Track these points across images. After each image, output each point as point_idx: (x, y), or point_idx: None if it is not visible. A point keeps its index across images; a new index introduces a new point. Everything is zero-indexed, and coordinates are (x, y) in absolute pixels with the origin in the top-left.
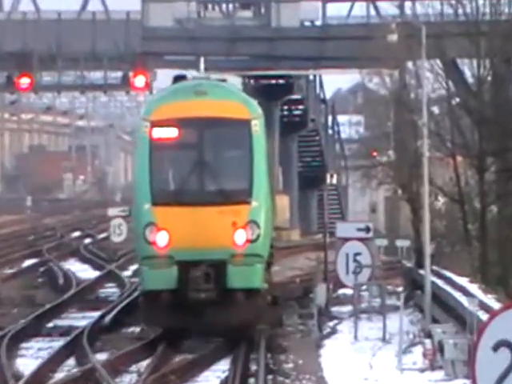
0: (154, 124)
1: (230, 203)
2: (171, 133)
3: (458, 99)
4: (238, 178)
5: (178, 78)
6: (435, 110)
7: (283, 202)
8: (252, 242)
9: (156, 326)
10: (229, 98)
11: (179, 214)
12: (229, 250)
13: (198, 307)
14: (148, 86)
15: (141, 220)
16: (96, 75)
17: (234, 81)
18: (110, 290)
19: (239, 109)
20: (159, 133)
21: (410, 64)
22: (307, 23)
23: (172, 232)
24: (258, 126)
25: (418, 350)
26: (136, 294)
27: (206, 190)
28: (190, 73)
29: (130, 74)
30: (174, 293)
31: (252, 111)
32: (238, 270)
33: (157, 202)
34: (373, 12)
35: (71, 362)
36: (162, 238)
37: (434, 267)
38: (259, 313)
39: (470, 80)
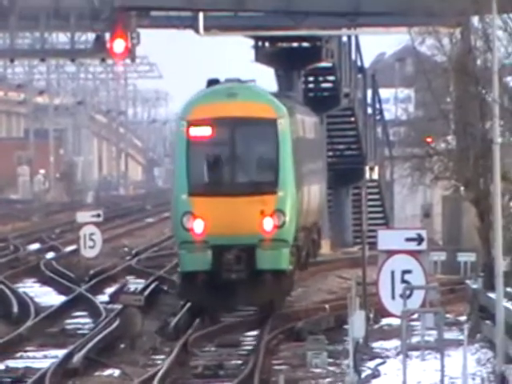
0: (191, 123)
1: (259, 194)
2: (206, 131)
3: None
4: (265, 171)
5: (211, 82)
6: (510, 81)
7: None
8: (278, 228)
9: (193, 303)
10: (257, 99)
11: (213, 203)
12: (258, 236)
13: (230, 286)
14: (129, 52)
15: (179, 209)
16: (61, 38)
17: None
18: (80, 320)
19: (266, 109)
20: (195, 131)
21: (476, 20)
22: None
23: (207, 220)
24: (283, 125)
25: None
26: (115, 324)
27: (237, 182)
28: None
29: (106, 35)
30: (208, 274)
31: (278, 111)
32: (266, 253)
33: (193, 192)
34: None
35: None
36: (198, 226)
37: (510, 289)
38: (285, 291)
39: None
